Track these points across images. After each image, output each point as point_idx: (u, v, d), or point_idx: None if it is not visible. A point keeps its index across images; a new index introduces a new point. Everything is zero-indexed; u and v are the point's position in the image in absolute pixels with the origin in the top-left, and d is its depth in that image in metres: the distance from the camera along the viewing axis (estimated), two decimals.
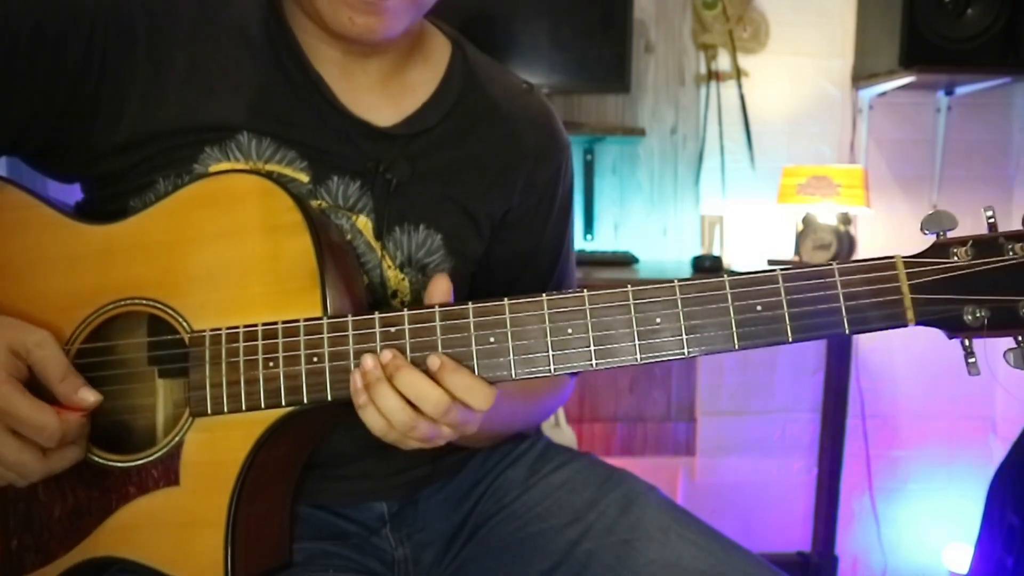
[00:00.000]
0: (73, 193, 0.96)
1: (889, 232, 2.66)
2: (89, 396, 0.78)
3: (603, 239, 2.61)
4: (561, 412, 2.47)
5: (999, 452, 2.56)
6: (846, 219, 2.34)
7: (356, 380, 0.75)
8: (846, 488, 2.58)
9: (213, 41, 0.89)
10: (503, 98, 1.03)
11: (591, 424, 2.67)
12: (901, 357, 2.71)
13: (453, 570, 1.00)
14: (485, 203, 1.00)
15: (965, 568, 2.19)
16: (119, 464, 0.82)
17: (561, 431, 2.41)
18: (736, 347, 0.73)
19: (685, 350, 0.74)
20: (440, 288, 0.80)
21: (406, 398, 0.75)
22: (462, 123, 0.98)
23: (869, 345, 2.69)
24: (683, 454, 2.71)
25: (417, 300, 0.97)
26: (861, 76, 2.57)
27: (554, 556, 0.94)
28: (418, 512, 1.02)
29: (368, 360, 0.75)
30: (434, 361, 0.75)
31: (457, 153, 0.98)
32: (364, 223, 0.94)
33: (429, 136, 0.96)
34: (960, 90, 2.60)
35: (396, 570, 1.00)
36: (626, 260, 2.37)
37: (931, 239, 0.72)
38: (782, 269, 0.73)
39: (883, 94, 2.59)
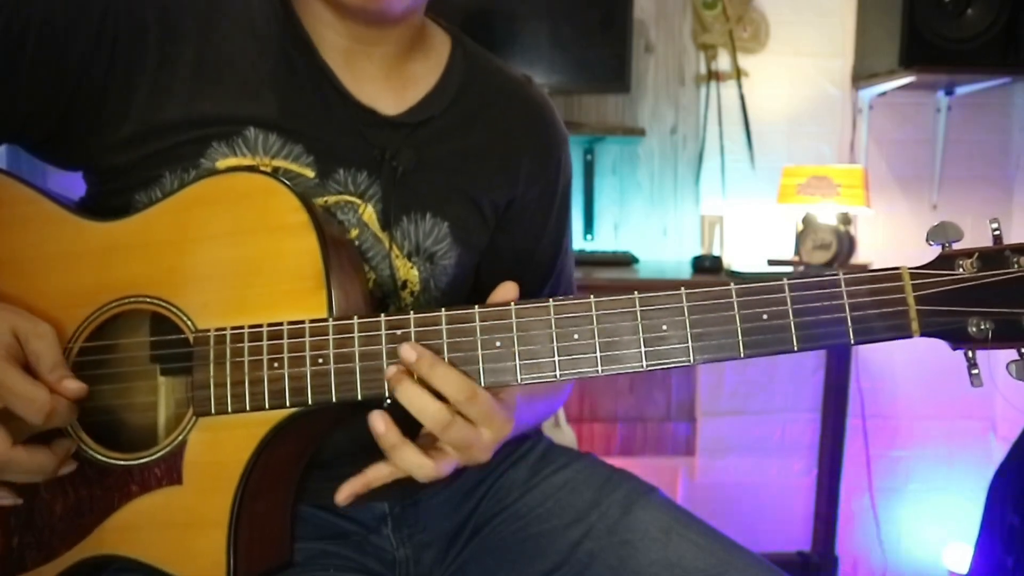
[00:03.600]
0: (76, 188, 0.96)
1: (889, 232, 2.67)
2: (72, 384, 0.77)
3: (603, 239, 2.61)
4: (561, 412, 2.46)
5: (999, 452, 2.56)
6: (846, 219, 2.34)
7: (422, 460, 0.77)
8: (846, 488, 2.58)
9: (221, 33, 0.90)
10: (503, 90, 1.04)
11: (591, 424, 2.67)
12: (901, 357, 2.71)
13: (454, 571, 1.00)
14: (489, 192, 1.01)
15: (965, 568, 2.19)
16: (122, 462, 0.82)
17: (561, 431, 2.41)
18: (742, 355, 0.73)
19: (691, 357, 0.74)
20: (508, 291, 0.80)
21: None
22: (464, 114, 1.00)
23: (869, 345, 2.68)
24: (683, 454, 2.71)
25: (427, 290, 0.98)
26: (861, 76, 2.57)
27: (556, 557, 0.94)
28: (419, 512, 1.02)
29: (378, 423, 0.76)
30: (409, 353, 0.75)
31: (460, 143, 0.99)
32: (370, 215, 0.94)
33: (433, 126, 0.97)
34: (960, 90, 2.60)
35: (397, 570, 0.99)
36: (626, 260, 2.37)
37: (936, 250, 0.72)
38: (788, 277, 0.73)
39: (883, 94, 2.59)
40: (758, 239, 2.63)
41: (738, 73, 2.59)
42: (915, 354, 2.67)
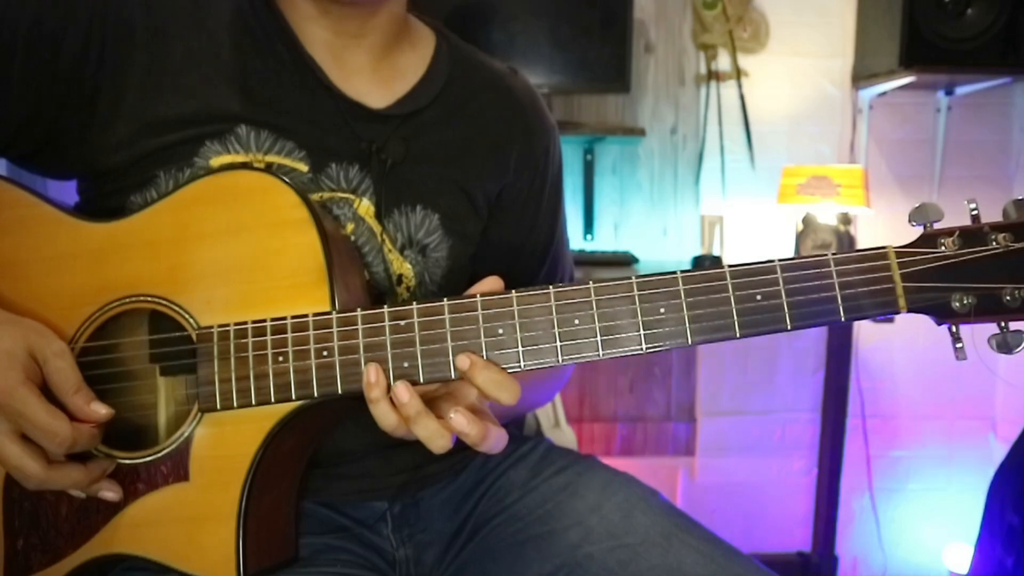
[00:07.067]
0: (71, 197, 0.95)
1: (889, 232, 2.67)
2: (101, 409, 0.77)
3: (603, 239, 2.61)
4: (561, 412, 2.45)
5: (999, 452, 2.57)
6: (846, 219, 2.34)
7: (391, 417, 0.76)
8: (846, 488, 2.58)
9: (208, 31, 0.90)
10: (488, 82, 1.05)
11: (591, 424, 2.67)
12: (901, 357, 2.71)
13: (454, 571, 0.99)
14: (480, 181, 1.02)
15: (965, 568, 2.19)
16: (128, 461, 0.82)
17: (561, 431, 2.40)
18: (738, 335, 0.75)
19: (688, 339, 0.76)
20: (488, 283, 0.81)
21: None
22: (452, 105, 1.01)
23: (869, 345, 2.69)
24: (683, 454, 2.71)
25: (422, 284, 0.98)
26: (861, 76, 2.58)
27: (555, 559, 0.94)
28: (420, 512, 1.02)
29: (403, 393, 0.75)
30: (463, 361, 0.75)
31: (449, 134, 1.00)
32: (366, 208, 0.94)
33: (421, 117, 0.98)
34: (960, 90, 2.60)
35: (398, 570, 0.99)
36: (626, 260, 2.37)
37: (919, 230, 0.75)
38: (780, 260, 0.75)
39: (883, 94, 2.59)
40: (758, 239, 2.63)
41: (738, 73, 2.60)
42: (915, 354, 2.68)
